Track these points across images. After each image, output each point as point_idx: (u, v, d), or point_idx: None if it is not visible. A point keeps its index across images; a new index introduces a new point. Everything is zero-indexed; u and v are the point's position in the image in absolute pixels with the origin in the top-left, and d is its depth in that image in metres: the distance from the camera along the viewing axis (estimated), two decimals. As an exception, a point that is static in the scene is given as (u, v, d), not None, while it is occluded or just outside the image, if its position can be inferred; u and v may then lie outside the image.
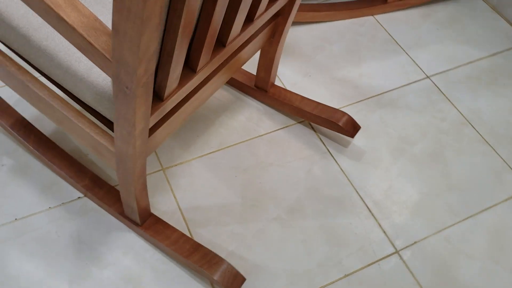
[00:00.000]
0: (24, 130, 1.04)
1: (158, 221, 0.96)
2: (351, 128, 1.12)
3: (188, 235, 0.99)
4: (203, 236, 0.99)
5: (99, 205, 1.00)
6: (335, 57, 1.33)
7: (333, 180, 1.09)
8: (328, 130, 1.17)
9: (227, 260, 0.95)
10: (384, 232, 1.03)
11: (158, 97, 0.71)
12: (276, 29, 1.01)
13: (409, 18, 1.45)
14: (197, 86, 0.84)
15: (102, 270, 0.93)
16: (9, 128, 1.03)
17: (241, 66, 0.96)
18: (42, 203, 1.00)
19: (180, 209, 1.02)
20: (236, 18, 0.74)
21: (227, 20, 0.74)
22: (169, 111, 0.80)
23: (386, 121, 1.21)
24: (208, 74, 0.80)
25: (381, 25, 1.43)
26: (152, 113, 0.70)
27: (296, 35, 1.37)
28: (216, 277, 0.88)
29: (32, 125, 1.05)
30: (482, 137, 1.20)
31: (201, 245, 0.92)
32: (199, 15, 0.66)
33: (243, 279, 0.90)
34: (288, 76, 1.28)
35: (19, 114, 1.06)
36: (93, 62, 0.59)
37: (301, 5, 1.37)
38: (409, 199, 1.08)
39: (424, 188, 1.10)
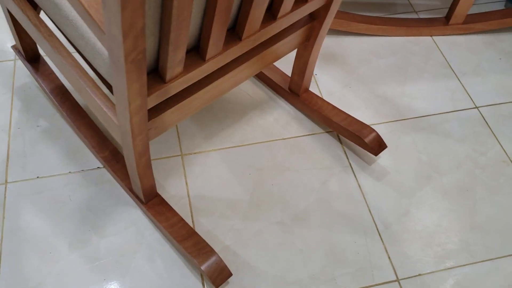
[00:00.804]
0: (62, 96, 1.10)
1: (162, 202, 0.98)
2: (376, 145, 1.08)
3: (190, 222, 1.00)
4: (204, 225, 1.00)
5: (114, 178, 1.04)
6: (380, 72, 1.29)
7: (348, 196, 1.06)
8: (355, 144, 1.13)
9: (220, 254, 0.96)
10: (389, 258, 0.98)
11: (161, 78, 0.73)
12: (311, 33, 1.00)
13: (470, 44, 1.37)
14: (212, 75, 0.85)
15: (101, 239, 0.97)
16: (48, 92, 1.11)
17: (269, 64, 0.96)
18: (64, 166, 1.06)
19: (188, 195, 1.04)
20: (251, 13, 0.74)
21: (243, 13, 0.75)
22: (178, 96, 0.82)
23: (419, 145, 1.15)
24: (221, 65, 0.80)
25: (438, 47, 1.36)
26: (151, 93, 0.71)
27: (345, 45, 1.35)
28: (203, 266, 0.89)
29: (69, 93, 1.12)
30: (524, 180, 1.11)
31: (196, 233, 0.93)
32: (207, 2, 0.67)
33: (229, 274, 0.90)
34: (328, 84, 1.25)
35: (60, 81, 1.13)
36: (94, 33, 0.62)
37: (355, 15, 1.35)
38: (424, 229, 1.02)
39: (444, 222, 1.03)
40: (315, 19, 0.97)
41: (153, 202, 0.98)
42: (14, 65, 1.23)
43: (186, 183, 1.06)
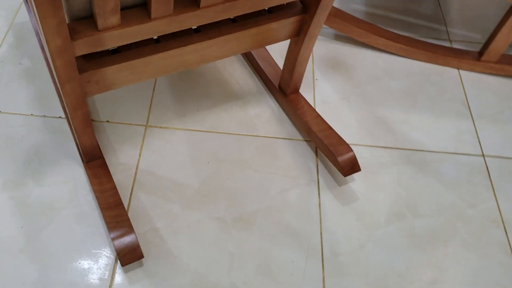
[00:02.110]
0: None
1: (103, 166, 0.93)
2: (348, 166, 0.97)
3: (128, 194, 0.95)
4: (141, 201, 0.94)
5: (70, 130, 1.01)
6: (387, 94, 1.18)
7: (304, 211, 0.96)
8: (330, 163, 1.03)
9: (146, 235, 0.90)
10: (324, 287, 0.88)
11: (95, 25, 0.67)
12: (302, 27, 0.92)
13: (499, 87, 1.23)
14: (170, 42, 0.79)
15: (36, 187, 0.93)
16: (35, 34, 1.09)
17: (247, 49, 0.89)
18: (29, 108, 1.04)
19: (137, 167, 0.98)
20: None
21: (200, -23, 0.68)
22: (125, 55, 0.77)
23: (403, 179, 1.03)
24: (174, 30, 0.74)
25: (462, 82, 1.22)
26: (79, 37, 0.66)
27: (359, 57, 1.24)
28: (115, 241, 0.83)
29: (57, 38, 1.10)
30: (510, 247, 0.96)
31: (123, 206, 0.87)
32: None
33: (140, 256, 0.83)
34: (326, 92, 1.16)
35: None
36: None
37: (377, 28, 1.24)
38: (375, 269, 0.90)
39: (401, 267, 0.91)
40: (306, 12, 0.89)
41: (94, 164, 0.93)
42: (21, 4, 1.23)
43: (140, 155, 1.00)
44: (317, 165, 1.03)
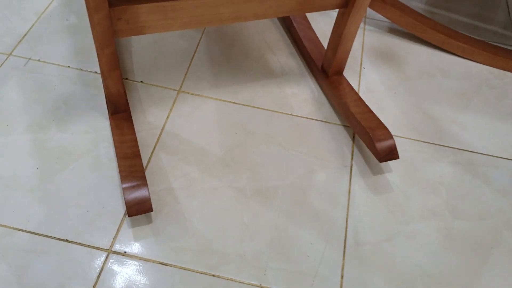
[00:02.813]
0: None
1: (127, 119, 0.90)
2: (385, 151, 0.89)
3: (149, 152, 0.91)
4: (161, 160, 0.90)
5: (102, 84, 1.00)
6: (439, 91, 1.09)
7: (331, 195, 0.88)
8: (367, 149, 0.95)
9: (161, 193, 0.85)
10: (342, 277, 0.79)
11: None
12: (350, -3, 0.86)
13: None
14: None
15: (59, 132, 0.92)
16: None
17: (285, 9, 0.84)
18: (67, 60, 1.04)
19: (163, 128, 0.95)
20: None
21: None
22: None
23: (445, 178, 0.93)
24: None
25: (524, 89, 1.11)
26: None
27: (411, 51, 1.16)
28: (124, 186, 0.78)
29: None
30: None
31: (140, 157, 0.83)
32: None
33: (149, 209, 0.78)
34: (372, 81, 1.09)
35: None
36: None
37: (435, 23, 1.16)
38: (402, 264, 0.81)
39: (432, 268, 0.81)
40: (357, -23, 0.83)
41: (119, 116, 0.90)
42: (80, -34, 1.26)
43: (168, 117, 0.97)
44: (352, 152, 0.95)
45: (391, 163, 0.95)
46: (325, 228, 0.84)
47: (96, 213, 0.81)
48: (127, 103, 0.91)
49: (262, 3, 0.82)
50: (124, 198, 0.78)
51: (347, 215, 0.86)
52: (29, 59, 1.02)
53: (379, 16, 1.24)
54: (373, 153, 0.91)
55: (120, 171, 0.81)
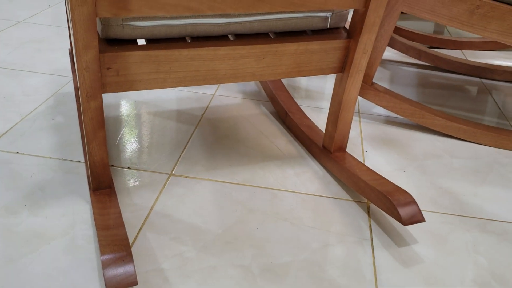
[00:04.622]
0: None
1: (112, 194, 0.79)
2: (409, 214, 0.77)
3: (134, 233, 0.77)
4: (147, 241, 0.76)
5: (84, 163, 0.90)
6: (451, 169, 1.01)
7: (353, 269, 0.74)
8: (386, 222, 0.83)
9: (149, 274, 0.70)
10: None
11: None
12: (346, 58, 0.84)
13: None
14: (202, 43, 0.74)
15: (30, 217, 0.79)
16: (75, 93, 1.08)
17: (281, 71, 0.81)
18: (49, 151, 0.96)
19: (152, 209, 0.83)
20: None
21: None
22: (151, 46, 0.71)
23: (480, 247, 0.80)
24: (206, 10, 0.69)
25: (539, 164, 1.05)
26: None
27: (413, 138, 1.12)
28: (103, 256, 0.64)
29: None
30: None
31: (124, 228, 0.70)
32: None
33: (133, 283, 0.63)
34: (377, 162, 1.01)
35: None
36: None
37: (432, 109, 1.14)
38: None
39: None
40: (351, 37, 0.82)
41: (102, 192, 0.79)
42: (68, 81, 1.26)
43: (157, 198, 0.86)
44: (370, 225, 0.83)
45: (416, 234, 0.82)
46: (352, 306, 0.68)
47: (66, 298, 0.65)
48: (111, 179, 0.81)
49: (259, 60, 0.79)
50: (103, 271, 0.63)
51: (377, 290, 0.71)
52: (6, 151, 0.94)
53: (373, 110, 1.23)
54: (395, 218, 0.79)
55: (100, 241, 0.67)
